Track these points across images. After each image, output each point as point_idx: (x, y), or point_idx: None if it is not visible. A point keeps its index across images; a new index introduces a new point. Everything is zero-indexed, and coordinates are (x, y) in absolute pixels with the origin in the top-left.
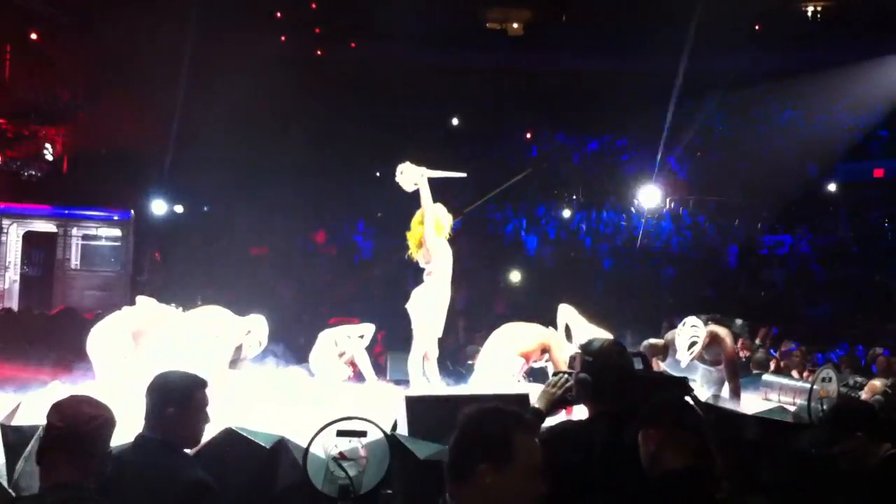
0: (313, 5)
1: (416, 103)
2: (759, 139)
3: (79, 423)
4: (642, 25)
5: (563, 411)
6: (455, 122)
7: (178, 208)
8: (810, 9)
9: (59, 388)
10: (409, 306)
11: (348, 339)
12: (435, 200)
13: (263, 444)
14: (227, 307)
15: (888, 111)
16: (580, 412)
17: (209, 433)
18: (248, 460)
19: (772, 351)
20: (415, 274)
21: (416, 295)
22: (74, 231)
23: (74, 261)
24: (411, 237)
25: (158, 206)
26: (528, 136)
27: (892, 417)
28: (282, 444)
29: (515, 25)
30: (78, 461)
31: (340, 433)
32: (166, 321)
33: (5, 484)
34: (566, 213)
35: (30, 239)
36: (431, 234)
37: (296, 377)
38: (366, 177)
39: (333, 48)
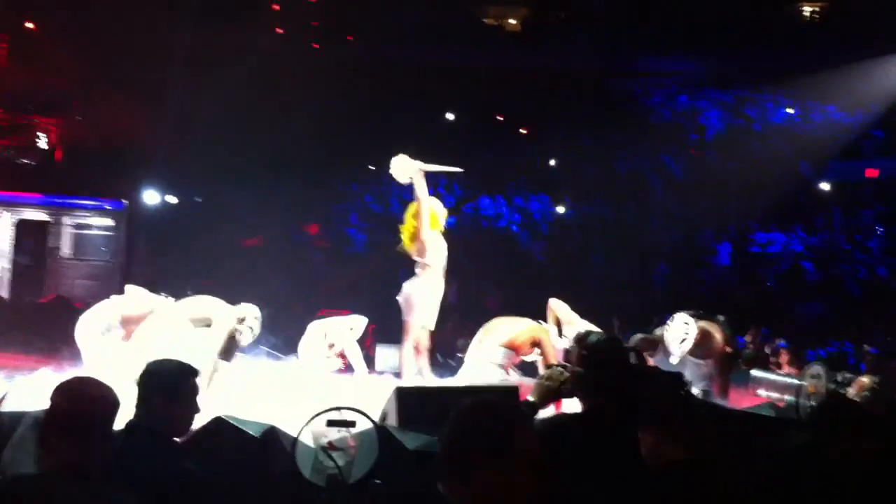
0: None
1: (412, 98)
2: (753, 138)
3: (84, 404)
4: (638, 23)
5: (554, 405)
6: (451, 117)
7: (171, 199)
8: (806, 9)
9: (48, 376)
10: (400, 299)
11: (338, 331)
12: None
13: (253, 434)
14: (219, 297)
15: (882, 111)
16: (571, 406)
17: (198, 422)
18: (238, 449)
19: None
20: (407, 267)
21: (409, 288)
22: (67, 220)
23: (66, 250)
24: (404, 230)
25: (151, 197)
26: (523, 132)
27: (879, 414)
28: (271, 434)
29: (513, 22)
30: (82, 443)
31: (330, 423)
32: (155, 310)
33: None
34: (558, 209)
35: (21, 227)
36: (426, 227)
37: (286, 368)
38: (359, 169)
39: (330, 41)
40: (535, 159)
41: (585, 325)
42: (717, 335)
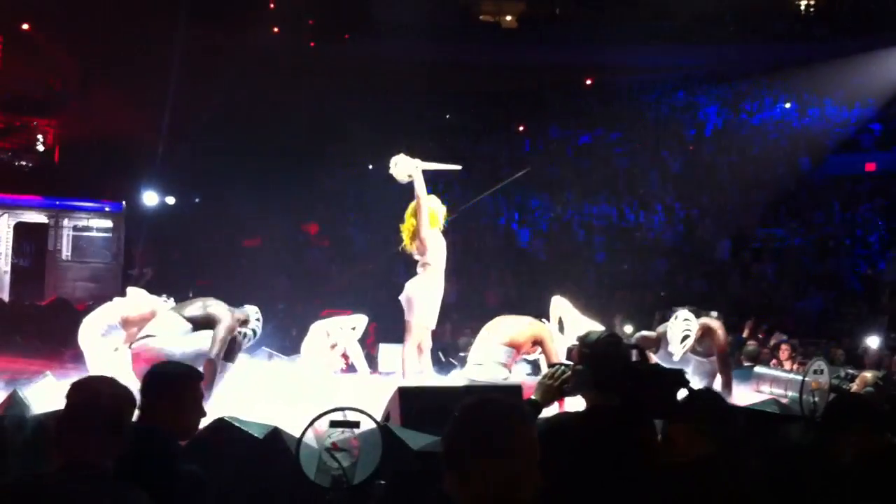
0: None
1: (408, 95)
2: (752, 132)
3: (100, 402)
4: (635, 19)
5: (557, 403)
6: (447, 115)
7: (170, 200)
8: (803, 3)
9: (51, 380)
10: (402, 298)
11: (340, 331)
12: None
13: (256, 435)
14: (220, 298)
15: (880, 105)
16: (573, 404)
17: (202, 424)
18: (241, 451)
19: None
20: (407, 266)
21: (410, 287)
22: (66, 222)
23: (66, 252)
24: (405, 229)
25: (150, 198)
26: (521, 129)
27: (884, 409)
28: (274, 435)
29: (509, 18)
30: (97, 440)
31: (333, 424)
32: (157, 312)
33: None
34: (558, 207)
35: (21, 230)
36: (426, 226)
37: (288, 368)
38: (359, 168)
39: (326, 40)
40: (534, 156)
41: (588, 323)
42: (720, 332)
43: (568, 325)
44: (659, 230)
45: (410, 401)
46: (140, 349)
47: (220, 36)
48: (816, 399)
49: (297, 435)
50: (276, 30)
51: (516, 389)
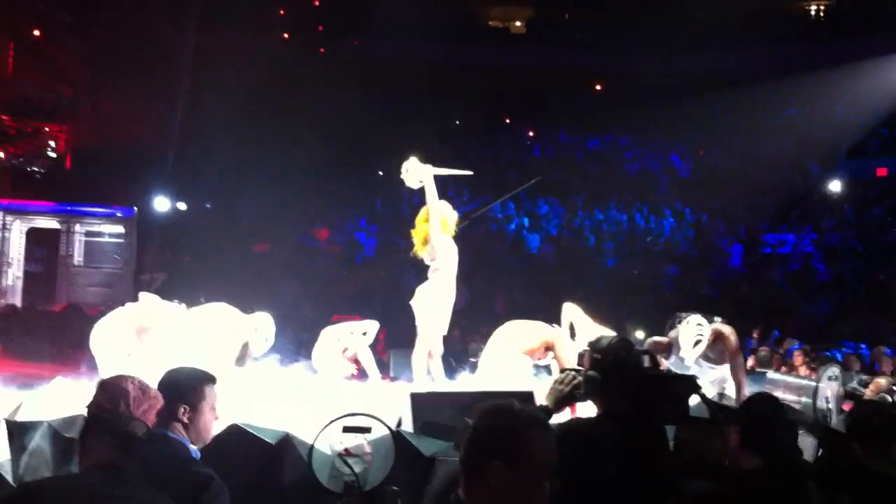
0: (316, 2)
1: (418, 101)
2: (762, 137)
3: (126, 404)
4: (644, 23)
5: (568, 409)
6: (456, 120)
7: (181, 205)
8: (813, 7)
9: (63, 385)
10: (413, 303)
11: (351, 336)
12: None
13: (269, 441)
14: (230, 304)
15: (891, 109)
16: (585, 410)
17: (215, 429)
18: (254, 457)
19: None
20: (418, 271)
21: (421, 292)
22: (77, 228)
23: (78, 257)
24: (416, 234)
25: (161, 203)
26: (530, 133)
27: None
28: (287, 441)
29: (518, 23)
30: (122, 442)
31: (346, 429)
32: (170, 318)
33: (10, 479)
34: (568, 212)
35: (33, 235)
36: (437, 231)
37: (299, 374)
38: (369, 174)
39: (336, 45)
40: (543, 160)
41: (599, 330)
42: (732, 337)
43: (579, 331)
44: (669, 235)
45: (422, 406)
46: (153, 354)
47: (231, 42)
48: (830, 406)
49: (310, 441)
50: (285, 35)
51: (529, 395)
